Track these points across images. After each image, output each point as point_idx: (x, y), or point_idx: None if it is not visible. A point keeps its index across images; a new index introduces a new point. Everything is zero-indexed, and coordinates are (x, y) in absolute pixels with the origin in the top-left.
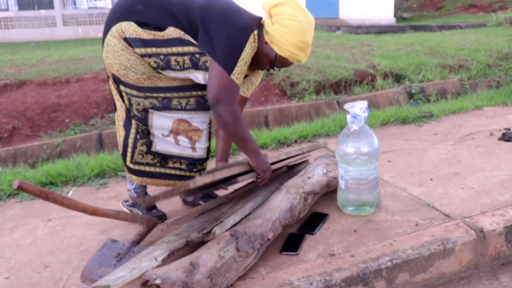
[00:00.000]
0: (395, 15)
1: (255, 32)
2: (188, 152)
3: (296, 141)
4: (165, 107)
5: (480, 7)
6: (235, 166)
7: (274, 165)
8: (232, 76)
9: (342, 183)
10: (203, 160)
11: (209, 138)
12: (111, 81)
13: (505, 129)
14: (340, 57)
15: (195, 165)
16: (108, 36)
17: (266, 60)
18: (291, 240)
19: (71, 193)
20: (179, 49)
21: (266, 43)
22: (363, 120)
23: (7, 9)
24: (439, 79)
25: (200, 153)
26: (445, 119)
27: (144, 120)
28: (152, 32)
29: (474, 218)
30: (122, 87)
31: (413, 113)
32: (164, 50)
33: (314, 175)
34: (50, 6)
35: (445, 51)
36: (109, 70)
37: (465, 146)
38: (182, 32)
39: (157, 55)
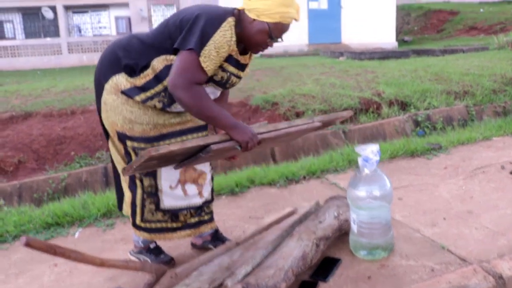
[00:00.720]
0: (396, 39)
1: (230, 19)
2: (196, 201)
3: (304, 177)
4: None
5: (480, 29)
6: (214, 136)
7: (272, 132)
8: (200, 59)
9: (354, 227)
10: (209, 202)
11: (212, 179)
12: (114, 141)
13: None
14: (345, 85)
15: (203, 209)
16: (104, 95)
17: (262, 36)
18: None
19: (78, 234)
20: None
21: (254, 20)
22: (375, 164)
23: (14, 38)
24: (445, 105)
25: (206, 196)
26: (454, 151)
27: (153, 174)
28: (142, 75)
29: (492, 262)
30: (129, 143)
31: (421, 145)
32: (161, 86)
33: (326, 219)
34: (56, 34)
35: (450, 76)
36: (113, 129)
37: (477, 181)
38: (167, 57)
39: (157, 94)
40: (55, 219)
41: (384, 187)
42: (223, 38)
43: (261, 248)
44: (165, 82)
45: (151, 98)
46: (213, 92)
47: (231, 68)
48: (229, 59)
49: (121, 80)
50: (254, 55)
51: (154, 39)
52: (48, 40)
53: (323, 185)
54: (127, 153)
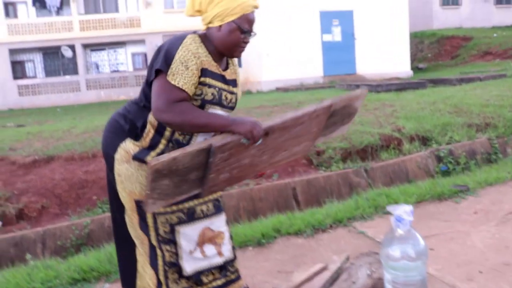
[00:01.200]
0: (411, 67)
1: (191, 35)
2: (217, 260)
3: (331, 226)
4: (190, 218)
5: (495, 54)
6: (216, 136)
7: (278, 119)
8: (168, 78)
9: (388, 287)
10: (232, 261)
11: (231, 237)
12: (130, 215)
13: None
14: (364, 121)
15: (227, 268)
16: (116, 167)
17: (234, 35)
18: None
19: None
20: None
21: (220, 26)
22: (409, 224)
23: (35, 76)
24: (467, 139)
25: (227, 255)
26: (482, 193)
27: (172, 242)
28: (144, 135)
29: None
30: None
31: (448, 187)
32: (164, 140)
33: (359, 279)
34: (75, 71)
35: (469, 108)
36: (131, 199)
37: (510, 228)
38: None
39: (166, 147)
40: (81, 275)
41: (418, 246)
42: (187, 52)
43: None
44: (167, 133)
45: (162, 152)
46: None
47: (218, 84)
48: (211, 74)
49: (129, 146)
50: (238, 70)
51: (142, 97)
52: (67, 77)
53: (351, 234)
54: (144, 222)
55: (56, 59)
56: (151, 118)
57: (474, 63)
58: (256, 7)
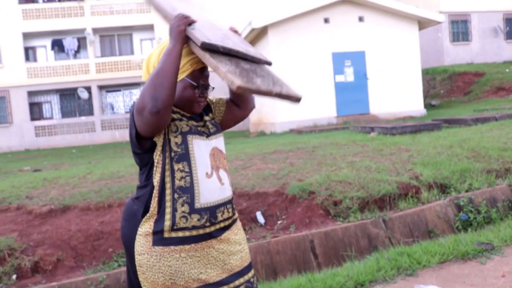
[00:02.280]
0: (424, 104)
1: None
2: (229, 194)
3: None
4: None
5: (509, 89)
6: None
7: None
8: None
9: None
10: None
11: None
12: None
13: None
14: (381, 168)
15: (233, 206)
16: (137, 258)
17: (188, 91)
18: None
19: None
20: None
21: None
22: None
23: (51, 117)
24: (487, 186)
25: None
26: (508, 252)
27: None
28: (152, 201)
29: None
30: None
31: (471, 245)
32: (169, 205)
33: None
34: (90, 112)
35: (488, 152)
36: None
37: None
38: (156, 155)
39: (172, 199)
40: None
41: None
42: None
43: None
44: (168, 185)
45: (173, 215)
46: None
47: (184, 121)
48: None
49: (145, 227)
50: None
51: (141, 178)
52: (83, 118)
53: None
54: None
55: (72, 101)
56: (154, 180)
57: (487, 99)
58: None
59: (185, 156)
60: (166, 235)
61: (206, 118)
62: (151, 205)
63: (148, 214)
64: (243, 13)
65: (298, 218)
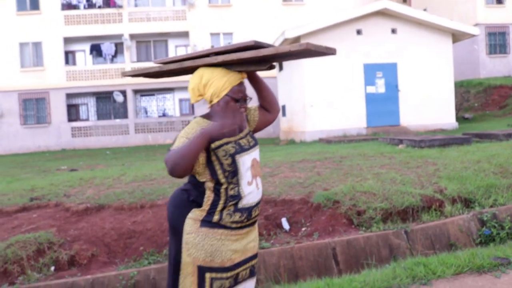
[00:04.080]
0: (456, 117)
1: (194, 120)
2: (261, 196)
3: None
4: (236, 282)
5: None
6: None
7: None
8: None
9: None
10: None
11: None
12: (192, 276)
13: None
14: (406, 180)
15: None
16: (184, 237)
17: (230, 105)
18: None
19: None
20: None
21: (218, 102)
22: None
23: (87, 119)
24: None
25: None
26: None
27: None
28: (205, 200)
29: None
30: (207, 274)
31: (488, 259)
32: (222, 192)
33: None
34: (125, 115)
35: None
36: (194, 264)
37: None
38: (209, 179)
39: (224, 203)
40: None
41: None
42: (188, 128)
43: None
44: (222, 191)
45: (221, 212)
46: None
47: (232, 138)
48: (218, 136)
49: (196, 214)
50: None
51: (192, 177)
52: (117, 121)
53: None
54: (202, 286)
55: (108, 103)
56: (207, 184)
57: None
58: (242, 78)
59: (235, 173)
60: (214, 220)
61: (245, 130)
62: (204, 203)
63: (200, 208)
64: (276, 24)
65: (321, 226)
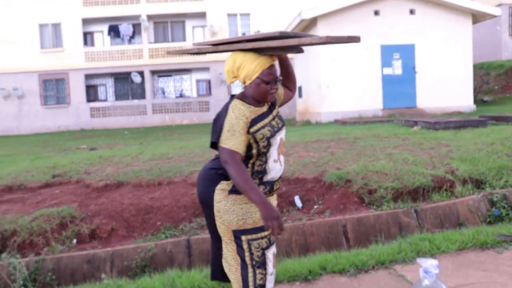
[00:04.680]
0: (476, 99)
1: (232, 103)
2: (282, 172)
3: (373, 267)
4: (271, 242)
5: None
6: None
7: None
8: (221, 144)
9: None
10: None
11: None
12: (231, 242)
13: None
14: (418, 161)
15: None
16: (216, 206)
17: (261, 87)
18: None
19: None
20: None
21: (250, 83)
22: (435, 276)
23: (106, 100)
24: None
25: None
26: None
27: (263, 265)
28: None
29: None
30: (243, 237)
31: (492, 236)
32: (248, 169)
33: None
34: (142, 96)
35: None
36: (229, 230)
37: None
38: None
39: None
40: None
41: None
42: (232, 119)
43: None
44: (248, 168)
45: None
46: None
47: (266, 120)
48: (259, 117)
49: (224, 186)
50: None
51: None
52: (135, 101)
53: (391, 276)
54: (241, 248)
55: (126, 84)
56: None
57: None
58: (273, 61)
59: (265, 153)
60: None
61: (274, 111)
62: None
63: (228, 181)
64: (294, 4)
65: (333, 204)
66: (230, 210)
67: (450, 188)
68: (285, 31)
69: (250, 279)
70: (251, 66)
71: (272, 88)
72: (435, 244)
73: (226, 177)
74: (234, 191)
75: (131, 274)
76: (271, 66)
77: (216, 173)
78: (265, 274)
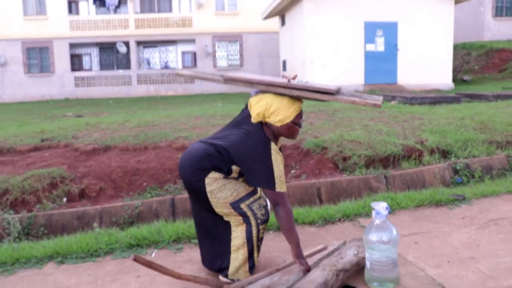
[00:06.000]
0: (454, 79)
1: (272, 147)
2: None
3: (339, 219)
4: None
5: None
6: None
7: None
8: (277, 190)
9: (368, 263)
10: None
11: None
12: (234, 216)
13: None
14: (391, 132)
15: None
16: (208, 189)
17: (294, 129)
18: None
19: (154, 254)
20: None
21: (281, 125)
22: (384, 216)
23: (90, 69)
24: (485, 155)
25: None
26: (475, 202)
27: (266, 221)
28: (231, 175)
29: None
30: (243, 205)
31: (446, 196)
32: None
33: (347, 256)
34: (127, 66)
35: (494, 126)
36: (226, 205)
37: (487, 232)
38: (235, 167)
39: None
40: (136, 241)
41: (391, 234)
42: (279, 165)
43: (294, 274)
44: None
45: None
46: None
47: None
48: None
49: (215, 175)
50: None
51: (226, 155)
52: (120, 72)
53: (354, 227)
54: (244, 216)
55: (111, 54)
56: (234, 167)
57: None
58: (301, 103)
59: None
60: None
61: None
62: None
63: (220, 174)
64: None
65: (309, 169)
66: (222, 187)
67: (419, 157)
68: (341, 90)
69: (254, 235)
70: (287, 113)
71: (300, 127)
72: (396, 201)
73: (220, 169)
74: (225, 177)
75: (119, 228)
76: (301, 111)
77: (207, 164)
78: (265, 228)
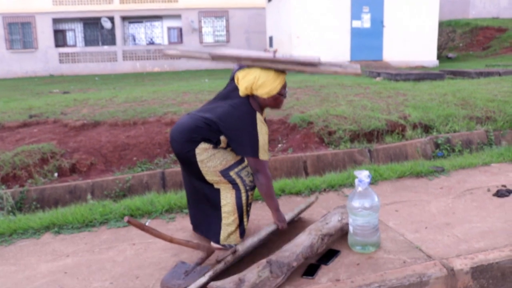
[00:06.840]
0: (439, 56)
1: (257, 116)
2: None
3: (325, 189)
4: None
5: None
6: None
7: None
8: (259, 158)
9: (351, 228)
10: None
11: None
12: (224, 183)
13: (502, 185)
14: (375, 107)
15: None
16: (198, 159)
17: (279, 100)
18: (310, 268)
19: (147, 223)
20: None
21: (268, 97)
22: (367, 184)
23: (75, 45)
24: (466, 130)
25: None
26: (454, 174)
27: (254, 187)
28: (220, 145)
29: (449, 259)
30: (231, 172)
31: (426, 168)
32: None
33: (331, 221)
34: (113, 42)
35: (475, 102)
36: (216, 173)
37: (463, 200)
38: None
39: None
40: (130, 212)
41: (372, 201)
42: (263, 135)
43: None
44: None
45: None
46: None
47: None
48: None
49: (205, 145)
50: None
51: (215, 126)
52: (105, 48)
53: (339, 196)
54: (233, 183)
55: (95, 30)
56: (222, 138)
57: (505, 55)
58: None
59: None
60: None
61: None
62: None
63: (210, 144)
64: None
65: (296, 143)
66: (213, 157)
67: (402, 132)
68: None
69: (244, 201)
70: (273, 85)
71: (284, 97)
72: (379, 172)
73: (209, 140)
74: (214, 147)
75: (112, 201)
76: (285, 83)
77: (197, 136)
78: (253, 194)
